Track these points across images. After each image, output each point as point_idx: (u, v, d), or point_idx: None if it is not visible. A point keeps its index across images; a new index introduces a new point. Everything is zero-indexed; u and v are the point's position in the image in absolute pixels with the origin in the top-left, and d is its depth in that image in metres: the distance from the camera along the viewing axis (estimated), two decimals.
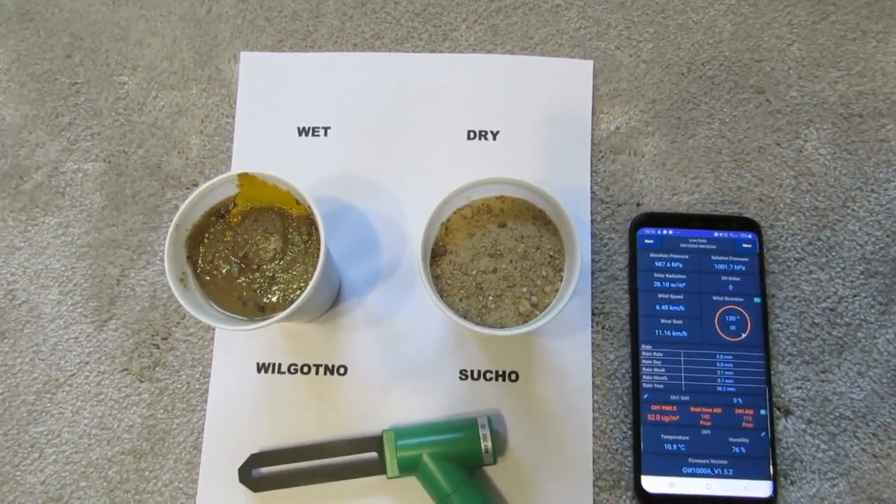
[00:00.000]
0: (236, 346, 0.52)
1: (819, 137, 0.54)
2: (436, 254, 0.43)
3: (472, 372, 0.51)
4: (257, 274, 0.43)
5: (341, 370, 0.51)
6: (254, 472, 0.49)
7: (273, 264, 0.43)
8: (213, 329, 0.53)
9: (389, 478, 0.47)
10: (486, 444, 0.47)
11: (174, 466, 0.51)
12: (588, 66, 0.55)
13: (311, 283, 0.40)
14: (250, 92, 0.56)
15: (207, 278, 0.43)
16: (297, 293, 0.42)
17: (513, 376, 0.51)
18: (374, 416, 0.50)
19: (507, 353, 0.51)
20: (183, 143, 0.56)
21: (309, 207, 0.42)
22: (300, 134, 0.55)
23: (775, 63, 0.55)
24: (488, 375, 0.51)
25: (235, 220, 0.44)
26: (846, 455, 0.49)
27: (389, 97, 0.56)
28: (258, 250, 0.43)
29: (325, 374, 0.52)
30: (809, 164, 0.54)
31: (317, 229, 0.42)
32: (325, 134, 0.55)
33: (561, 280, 0.42)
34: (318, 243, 0.41)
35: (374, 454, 0.49)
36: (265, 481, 0.49)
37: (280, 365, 0.52)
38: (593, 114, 0.55)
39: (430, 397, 0.51)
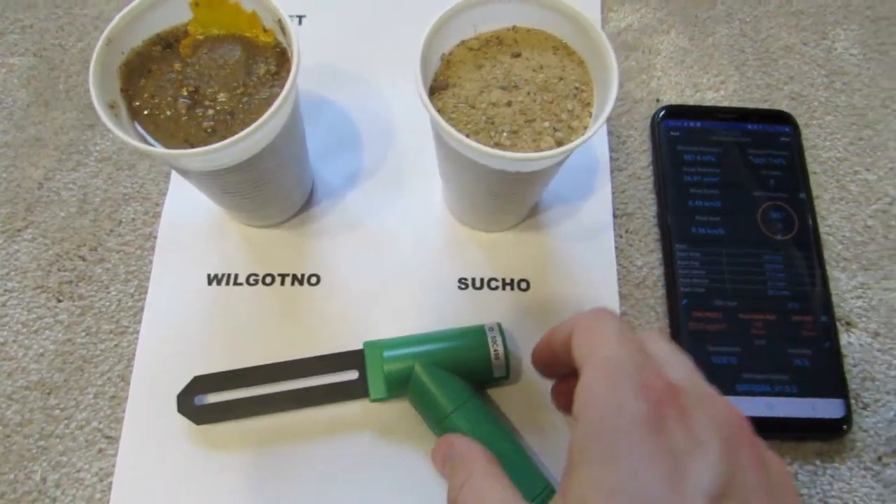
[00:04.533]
0: (183, 253, 0.42)
1: (848, 38, 0.49)
2: (435, 89, 0.35)
3: (473, 280, 0.42)
4: (211, 110, 0.34)
5: (312, 279, 0.42)
6: (196, 400, 0.38)
7: (230, 96, 0.34)
8: (155, 236, 0.43)
9: (373, 400, 0.37)
10: (497, 348, 0.37)
11: (94, 403, 0.39)
12: None
13: (277, 104, 0.31)
14: None
15: (146, 114, 0.34)
16: None
17: (522, 285, 0.42)
18: (352, 333, 0.40)
19: (515, 258, 0.42)
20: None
21: (279, 21, 0.34)
22: None
23: None
24: (493, 284, 0.42)
25: (186, 50, 0.35)
26: None
27: None
28: (212, 80, 0.34)
29: (292, 284, 0.42)
30: (841, 64, 0.48)
31: (289, 60, 0.35)
32: (300, 22, 0.48)
33: (590, 116, 0.34)
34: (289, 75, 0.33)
35: (353, 373, 0.38)
36: (211, 411, 0.38)
37: (237, 276, 0.42)
38: (602, 11, 0.50)
39: (423, 310, 0.41)
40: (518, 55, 0.35)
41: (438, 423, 0.36)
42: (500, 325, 0.38)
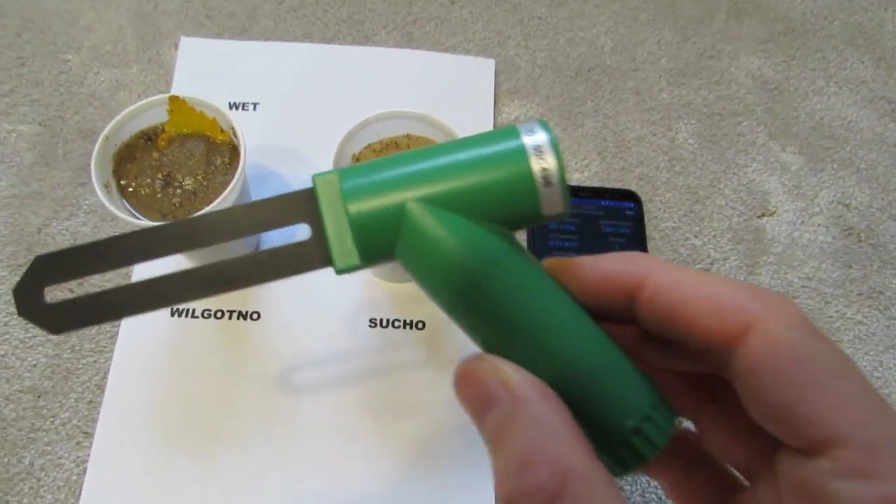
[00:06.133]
0: None
1: (688, 130, 0.63)
2: None
3: (381, 320, 0.54)
4: (179, 190, 0.46)
5: (254, 315, 0.53)
6: (48, 294, 0.23)
7: (194, 180, 0.46)
8: (130, 276, 0.54)
9: (339, 272, 0.23)
10: (544, 164, 0.23)
11: (75, 405, 0.50)
12: (490, 63, 0.63)
13: (228, 189, 0.43)
14: (186, 72, 0.61)
15: (131, 190, 0.46)
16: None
17: (419, 325, 0.54)
18: (285, 360, 0.52)
19: (415, 303, 0.54)
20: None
21: (231, 128, 0.46)
22: (231, 108, 0.60)
23: (648, 72, 0.65)
24: (396, 324, 0.54)
25: (162, 143, 0.47)
26: None
27: (315, 81, 0.62)
28: (181, 168, 0.46)
29: (238, 318, 0.53)
30: (681, 151, 0.62)
31: (239, 155, 0.47)
32: (254, 109, 0.60)
33: None
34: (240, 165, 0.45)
35: (302, 227, 0.23)
36: (74, 310, 0.23)
37: (195, 310, 0.53)
38: (495, 105, 0.63)
39: (341, 342, 0.53)
40: None
41: (457, 302, 0.23)
42: (545, 123, 0.23)
